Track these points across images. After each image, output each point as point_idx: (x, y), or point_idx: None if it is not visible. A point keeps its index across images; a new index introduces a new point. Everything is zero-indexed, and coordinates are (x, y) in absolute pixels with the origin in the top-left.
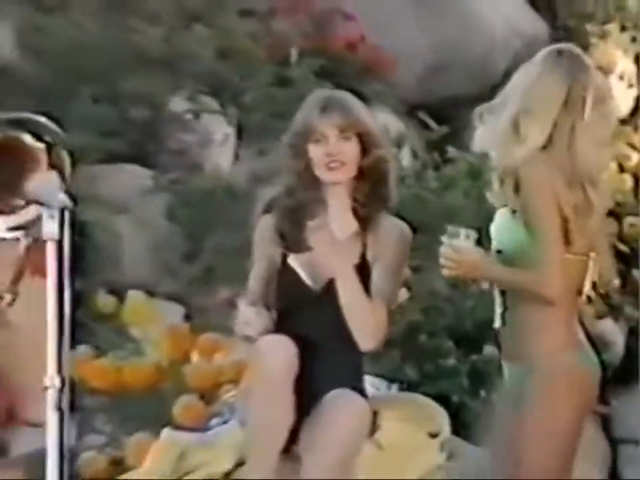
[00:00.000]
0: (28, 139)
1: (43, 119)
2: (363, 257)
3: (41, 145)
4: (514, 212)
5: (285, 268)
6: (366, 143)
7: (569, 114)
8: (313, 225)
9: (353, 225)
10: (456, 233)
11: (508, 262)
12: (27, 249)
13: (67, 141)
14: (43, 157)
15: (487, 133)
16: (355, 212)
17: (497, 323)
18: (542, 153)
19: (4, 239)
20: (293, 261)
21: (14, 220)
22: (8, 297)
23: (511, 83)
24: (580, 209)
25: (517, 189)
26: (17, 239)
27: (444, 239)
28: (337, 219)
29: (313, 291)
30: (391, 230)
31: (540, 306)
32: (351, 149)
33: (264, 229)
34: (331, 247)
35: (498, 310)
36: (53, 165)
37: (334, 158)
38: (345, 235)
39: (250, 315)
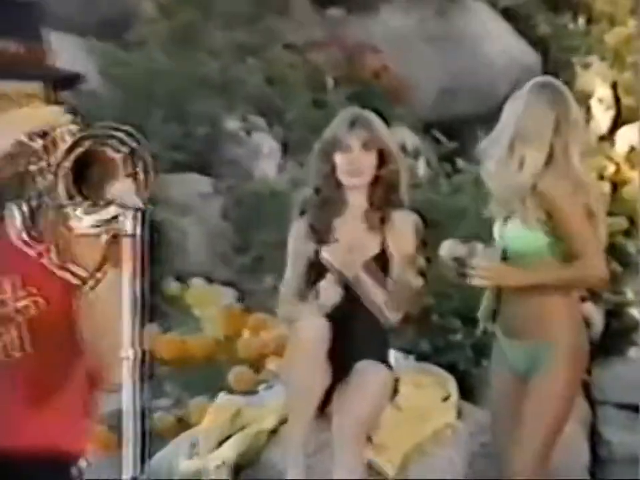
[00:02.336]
0: (110, 148)
1: (122, 133)
2: (383, 246)
3: (120, 154)
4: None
5: (318, 260)
6: (383, 157)
7: (560, 136)
8: (339, 221)
9: (370, 221)
10: (477, 249)
11: (518, 264)
12: (107, 243)
13: (142, 154)
14: (122, 164)
15: (491, 164)
16: (372, 211)
17: (486, 323)
18: (549, 169)
19: (88, 234)
20: (325, 253)
21: (96, 218)
22: (91, 282)
23: (503, 115)
24: (585, 211)
25: (535, 198)
26: (99, 235)
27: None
28: (356, 217)
29: (346, 279)
30: (405, 221)
31: (551, 296)
32: (370, 161)
33: (298, 229)
34: (355, 241)
35: (488, 309)
36: (130, 173)
37: (355, 166)
38: (363, 230)
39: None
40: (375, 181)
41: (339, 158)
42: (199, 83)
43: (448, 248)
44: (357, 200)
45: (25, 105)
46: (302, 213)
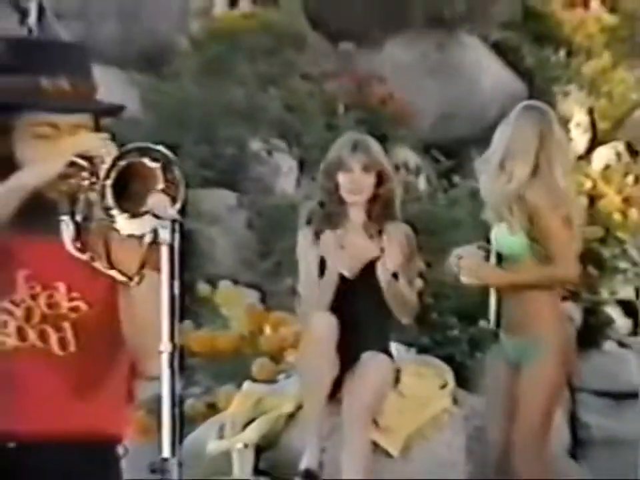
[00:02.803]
0: (148, 159)
1: (160, 147)
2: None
3: (157, 164)
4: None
5: (324, 267)
6: (381, 177)
7: (544, 152)
8: (340, 232)
9: (369, 232)
10: (465, 251)
11: (507, 265)
12: (149, 245)
13: (176, 168)
14: (158, 175)
15: (484, 178)
16: (370, 223)
17: (492, 324)
18: (534, 180)
19: (133, 235)
20: (329, 259)
21: (137, 226)
22: (136, 279)
23: (495, 137)
24: (565, 220)
25: (519, 205)
26: (140, 240)
27: (457, 257)
28: (356, 229)
29: (348, 280)
30: (399, 232)
31: (537, 296)
32: (370, 181)
33: (305, 237)
34: (356, 248)
35: (492, 311)
36: (167, 186)
37: (356, 186)
38: (364, 239)
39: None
40: (373, 198)
41: (341, 177)
42: (226, 110)
43: (456, 253)
44: (357, 214)
45: (73, 134)
46: (308, 222)
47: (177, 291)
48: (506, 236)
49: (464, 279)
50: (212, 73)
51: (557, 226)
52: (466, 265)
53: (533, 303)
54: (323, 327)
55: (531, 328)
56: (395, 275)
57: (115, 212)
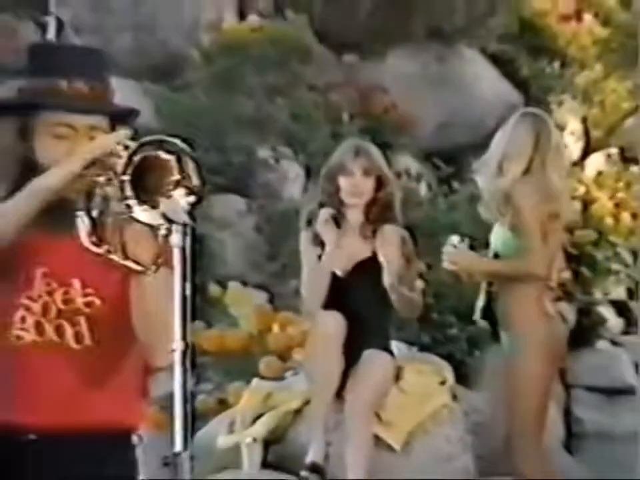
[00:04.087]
0: (163, 151)
1: (174, 140)
2: (374, 254)
3: (172, 155)
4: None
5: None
6: (381, 181)
7: (539, 153)
8: (340, 231)
9: (363, 233)
10: (454, 240)
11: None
12: (163, 239)
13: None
14: (175, 168)
15: (482, 179)
16: (366, 225)
17: (478, 315)
18: (524, 178)
19: (151, 226)
20: (324, 257)
21: (152, 219)
22: (153, 269)
23: (494, 140)
24: (552, 216)
25: (506, 202)
26: (158, 229)
27: (447, 246)
28: (353, 229)
29: (342, 279)
30: (392, 234)
31: (522, 292)
32: (370, 185)
33: (306, 237)
34: (351, 247)
35: (480, 304)
36: (182, 177)
37: (356, 189)
38: (358, 239)
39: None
40: (373, 202)
41: (342, 181)
42: (236, 119)
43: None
44: (355, 216)
45: (89, 135)
46: (308, 223)
47: (188, 291)
48: (499, 233)
49: (445, 265)
50: (222, 83)
51: (534, 222)
52: (448, 252)
53: (517, 298)
54: (331, 324)
55: (516, 323)
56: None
57: (132, 202)
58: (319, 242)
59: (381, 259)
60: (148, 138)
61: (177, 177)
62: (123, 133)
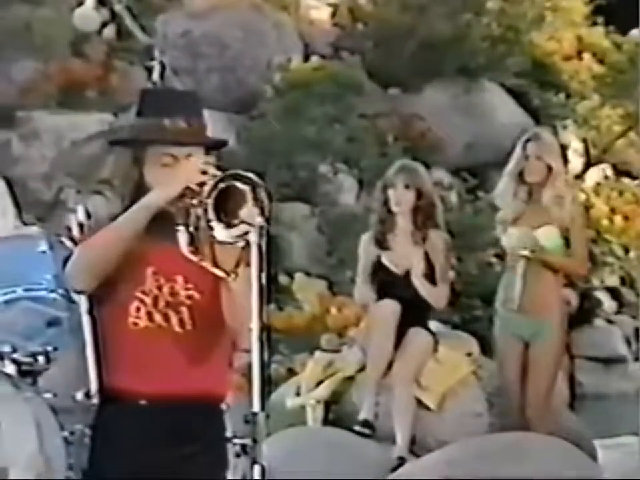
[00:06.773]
0: (240, 182)
1: (249, 174)
2: (427, 255)
3: (248, 186)
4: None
5: (380, 264)
6: (420, 193)
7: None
8: (390, 236)
9: (414, 239)
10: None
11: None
12: (242, 248)
13: (262, 188)
14: (249, 196)
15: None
16: (415, 231)
17: (515, 305)
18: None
19: (230, 242)
20: (384, 259)
21: (233, 233)
22: (233, 275)
23: (511, 161)
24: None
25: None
26: (236, 244)
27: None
28: (405, 234)
29: (397, 275)
30: (439, 238)
31: (550, 283)
32: (409, 196)
33: (366, 240)
34: (403, 250)
35: (517, 293)
36: (255, 204)
37: (398, 199)
38: (410, 245)
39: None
40: (416, 210)
41: (390, 193)
42: (301, 142)
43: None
44: (403, 222)
45: (187, 163)
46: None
47: (264, 281)
48: (551, 233)
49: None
50: (290, 113)
51: (585, 230)
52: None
53: (543, 289)
54: (389, 310)
55: (541, 310)
56: (425, 275)
57: (214, 223)
58: (377, 245)
59: (433, 261)
60: (228, 172)
61: (251, 203)
62: (210, 161)
